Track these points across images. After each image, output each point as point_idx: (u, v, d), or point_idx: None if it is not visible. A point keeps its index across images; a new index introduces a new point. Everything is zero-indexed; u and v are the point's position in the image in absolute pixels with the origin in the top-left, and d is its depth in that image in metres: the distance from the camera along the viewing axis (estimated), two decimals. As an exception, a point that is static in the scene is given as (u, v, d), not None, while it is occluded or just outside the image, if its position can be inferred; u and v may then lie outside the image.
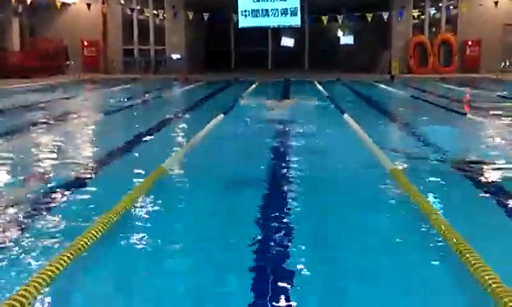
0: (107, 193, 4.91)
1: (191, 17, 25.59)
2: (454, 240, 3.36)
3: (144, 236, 3.81)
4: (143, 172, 5.51)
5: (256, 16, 23.93)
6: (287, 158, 6.43)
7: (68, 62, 25.21)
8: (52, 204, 4.49)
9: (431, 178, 5.44)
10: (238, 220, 4.23)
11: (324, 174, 5.78)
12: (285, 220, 4.15)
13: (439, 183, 5.28)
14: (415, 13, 26.18)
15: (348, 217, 4.32)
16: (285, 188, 5.09)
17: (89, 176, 5.56)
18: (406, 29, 26.68)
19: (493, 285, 2.72)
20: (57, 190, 4.91)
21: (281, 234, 3.85)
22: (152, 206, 4.49)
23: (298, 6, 23.71)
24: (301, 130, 8.75)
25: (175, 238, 3.86)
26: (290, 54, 30.33)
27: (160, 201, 4.61)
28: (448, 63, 26.18)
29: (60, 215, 4.20)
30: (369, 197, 4.86)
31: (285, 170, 5.86)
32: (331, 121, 10.29)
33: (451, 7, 26.88)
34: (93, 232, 3.52)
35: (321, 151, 7.09)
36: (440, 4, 26.92)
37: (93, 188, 5.04)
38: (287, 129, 8.94)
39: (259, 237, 3.76)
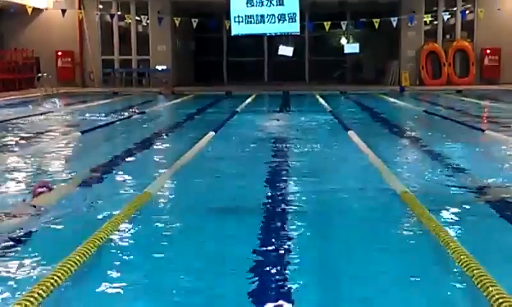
0: (81, 222, 4.88)
1: (178, 24, 25.70)
2: (475, 272, 3.34)
3: (124, 273, 3.79)
4: (124, 198, 5.50)
5: (251, 23, 24.00)
6: (284, 182, 6.42)
7: (40, 75, 25.21)
8: (23, 234, 4.46)
9: (447, 206, 5.41)
10: (229, 255, 4.20)
11: (326, 199, 5.76)
12: (282, 252, 4.13)
13: (458, 212, 5.27)
14: (427, 19, 26.36)
15: (354, 252, 4.30)
16: (282, 217, 5.06)
17: (62, 202, 5.49)
18: (416, 37, 26.86)
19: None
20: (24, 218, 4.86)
21: (278, 269, 3.83)
22: (135, 237, 4.51)
23: (297, 11, 23.81)
24: (299, 150, 8.74)
25: (157, 277, 3.84)
26: (288, 65, 30.45)
27: (144, 231, 4.63)
28: (464, 74, 26.33)
29: (33, 248, 4.20)
30: (377, 227, 4.84)
31: (281, 196, 5.85)
32: (334, 139, 10.30)
33: (467, 11, 27.09)
34: (66, 267, 3.48)
35: (322, 172, 7.07)
36: (455, 9, 27.12)
37: (64, 219, 4.96)
38: (284, 149, 8.93)
39: (253, 277, 3.74)
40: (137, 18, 27.63)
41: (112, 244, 4.27)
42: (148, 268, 3.94)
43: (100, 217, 4.94)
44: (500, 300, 2.97)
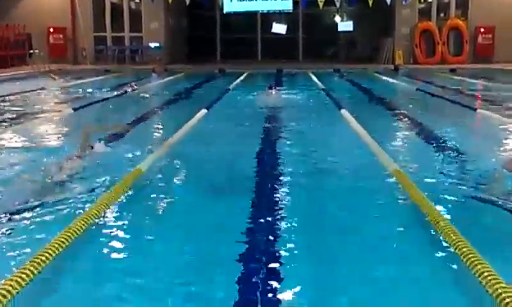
0: (76, 198, 4.89)
1: (170, 0, 25.48)
2: (465, 249, 3.35)
3: (117, 248, 3.79)
4: (117, 175, 5.51)
5: (243, 0, 23.82)
6: (275, 161, 6.41)
7: (31, 52, 24.99)
8: (21, 209, 4.47)
9: (439, 187, 5.43)
10: (220, 234, 4.20)
11: (318, 177, 5.76)
12: (275, 231, 4.13)
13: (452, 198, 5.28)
14: (421, -3, 26.24)
15: (347, 227, 4.30)
16: (275, 195, 5.05)
17: (58, 178, 5.54)
18: (411, 15, 26.75)
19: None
20: (22, 196, 4.86)
21: (272, 247, 3.83)
22: (127, 213, 4.51)
23: (290, -13, 23.64)
24: (291, 129, 8.72)
25: (149, 254, 3.83)
26: (282, 42, 30.33)
27: (136, 208, 4.62)
28: (458, 52, 26.28)
29: (29, 221, 4.24)
30: (369, 204, 4.84)
31: (272, 173, 5.84)
32: (327, 117, 10.29)
33: (461, -11, 27.01)
34: (61, 239, 3.49)
35: (314, 151, 7.06)
36: (449, -14, 27.02)
37: (60, 194, 5.00)
38: (275, 127, 8.91)
39: (244, 251, 3.74)
40: (129, -6, 27.39)
41: (103, 221, 4.27)
42: (137, 248, 3.94)
43: (91, 192, 4.97)
44: (489, 278, 2.96)
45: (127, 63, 26.89)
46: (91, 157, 6.43)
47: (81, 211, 4.34)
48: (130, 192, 4.97)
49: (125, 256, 3.78)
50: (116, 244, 3.92)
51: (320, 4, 25.47)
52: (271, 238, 4.01)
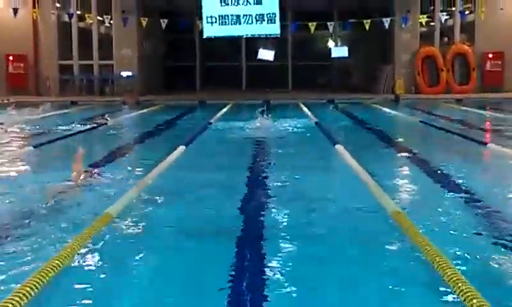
0: (39, 246, 4.87)
1: (144, 24, 25.64)
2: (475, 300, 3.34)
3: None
4: (84, 220, 5.50)
5: (225, 24, 24.00)
6: (260, 205, 6.34)
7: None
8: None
9: (444, 229, 5.41)
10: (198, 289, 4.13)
11: (309, 227, 5.71)
12: (261, 283, 4.07)
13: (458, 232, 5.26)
14: (423, 19, 26.61)
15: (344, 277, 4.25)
16: (260, 246, 4.99)
17: (16, 224, 5.53)
18: (411, 39, 27.11)
19: None
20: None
21: (257, 300, 3.77)
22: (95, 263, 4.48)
23: (277, 10, 23.84)
24: (280, 168, 8.68)
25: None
26: (269, 70, 30.58)
27: (104, 257, 4.60)
28: (464, 81, 26.59)
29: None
30: (367, 250, 4.80)
31: (258, 221, 5.77)
32: (320, 154, 10.28)
33: (467, 12, 27.44)
34: (23, 292, 3.52)
35: (306, 194, 7.01)
36: (454, 9, 27.45)
37: (21, 241, 4.99)
38: (261, 166, 8.88)
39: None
40: (99, 18, 27.55)
41: (70, 270, 4.26)
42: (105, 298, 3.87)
43: (55, 241, 4.93)
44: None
45: (95, 94, 26.90)
46: (52, 200, 6.36)
47: (38, 262, 4.28)
48: (97, 240, 4.90)
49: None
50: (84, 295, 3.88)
51: (312, 28, 25.80)
52: (257, 290, 3.94)
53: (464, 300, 3.47)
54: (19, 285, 3.67)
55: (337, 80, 32.18)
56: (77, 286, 4.07)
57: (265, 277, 4.20)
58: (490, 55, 26.74)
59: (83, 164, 7.68)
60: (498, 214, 5.89)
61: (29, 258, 4.58)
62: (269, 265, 4.43)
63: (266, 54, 26.86)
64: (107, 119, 16.24)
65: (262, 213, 6.07)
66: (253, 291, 3.97)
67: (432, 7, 27.51)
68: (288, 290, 3.98)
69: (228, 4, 23.67)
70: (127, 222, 5.63)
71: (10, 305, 3.33)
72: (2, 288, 3.91)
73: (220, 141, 12.28)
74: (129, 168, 9.01)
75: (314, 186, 7.53)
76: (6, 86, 26.26)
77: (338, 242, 5.13)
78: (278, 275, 4.22)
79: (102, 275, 4.30)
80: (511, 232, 5.29)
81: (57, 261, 4.15)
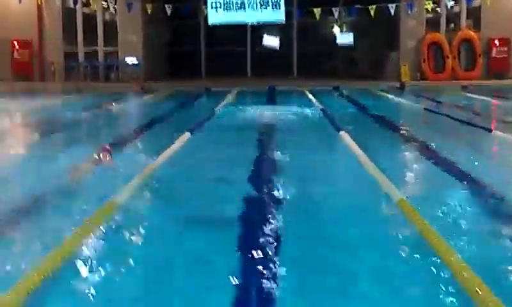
0: (46, 232, 4.90)
1: (149, 11, 25.62)
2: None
3: (90, 291, 3.78)
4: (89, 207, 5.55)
5: (230, 10, 23.94)
6: (265, 191, 6.39)
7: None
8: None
9: (449, 218, 5.45)
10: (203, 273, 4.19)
11: (313, 209, 5.76)
12: (265, 271, 4.12)
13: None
14: (429, 6, 26.51)
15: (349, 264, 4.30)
16: (263, 230, 5.03)
17: (24, 209, 5.57)
18: (417, 26, 27.01)
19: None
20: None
21: (261, 290, 3.83)
22: (100, 251, 4.51)
23: (282, -5, 23.77)
24: (285, 154, 8.73)
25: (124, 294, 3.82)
26: (274, 57, 30.50)
27: (110, 244, 4.64)
28: (470, 67, 26.52)
29: None
30: (371, 239, 4.85)
31: (262, 207, 5.83)
32: (324, 140, 10.33)
33: (473, -3, 27.32)
34: (30, 281, 3.57)
35: (310, 180, 7.06)
36: (460, -6, 27.34)
37: (29, 226, 5.06)
38: (267, 153, 8.93)
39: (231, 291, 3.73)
40: (103, 3, 27.53)
41: (75, 258, 4.28)
42: (110, 289, 3.93)
43: (61, 229, 4.94)
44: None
45: (100, 81, 26.93)
46: (58, 187, 6.44)
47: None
48: (103, 227, 4.96)
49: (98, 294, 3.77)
50: (89, 282, 3.92)
51: (317, 15, 25.73)
52: (261, 278, 4.00)
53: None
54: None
55: (342, 67, 32.06)
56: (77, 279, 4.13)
57: (266, 265, 4.26)
58: (496, 42, 26.62)
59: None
60: (504, 202, 5.93)
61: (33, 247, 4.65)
62: (269, 251, 4.49)
63: (271, 41, 26.83)
64: (113, 106, 16.30)
65: (264, 198, 6.13)
66: (258, 281, 4.03)
67: (438, -7, 27.40)
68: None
69: (232, -11, 23.65)
70: (131, 211, 5.67)
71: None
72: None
73: (225, 128, 12.31)
74: (133, 156, 9.07)
75: (318, 170, 7.62)
76: (11, 71, 26.28)
77: (341, 230, 5.18)
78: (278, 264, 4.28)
79: (105, 266, 4.28)
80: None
81: (59, 252, 4.22)
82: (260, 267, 4.15)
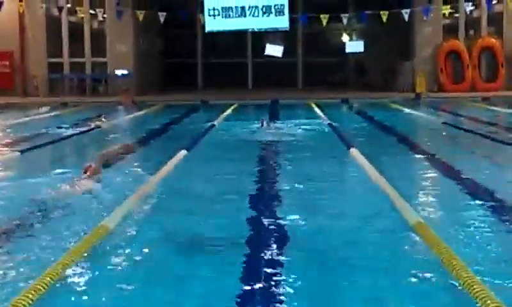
0: (31, 260, 4.91)
1: (141, 18, 25.66)
2: None
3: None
4: (78, 233, 5.57)
5: (229, 17, 23.98)
6: (269, 213, 6.33)
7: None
8: None
9: (471, 241, 5.39)
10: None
11: (322, 237, 5.70)
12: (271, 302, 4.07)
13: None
14: (446, 11, 26.55)
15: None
16: (266, 254, 4.99)
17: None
18: (434, 33, 27.07)
19: None
20: None
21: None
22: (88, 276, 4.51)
23: (286, 1, 23.80)
24: (290, 173, 8.69)
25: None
26: (278, 68, 30.59)
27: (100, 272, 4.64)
28: (492, 78, 26.53)
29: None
30: (386, 267, 4.79)
31: (265, 229, 5.80)
32: (333, 158, 10.27)
33: (494, 1, 27.30)
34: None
35: (318, 202, 7.00)
36: (479, -2, 27.38)
37: (10, 255, 5.04)
38: (270, 172, 8.88)
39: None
40: (91, 11, 27.61)
41: (64, 284, 4.31)
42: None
43: (51, 255, 4.95)
44: None
45: (87, 94, 26.95)
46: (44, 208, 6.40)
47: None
48: (93, 253, 4.96)
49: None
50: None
51: (324, 21, 25.73)
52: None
53: None
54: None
55: (352, 78, 32.16)
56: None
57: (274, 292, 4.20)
58: (520, 50, 26.67)
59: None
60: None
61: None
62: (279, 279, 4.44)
63: (274, 50, 26.84)
64: (102, 121, 16.29)
65: (268, 220, 6.08)
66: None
67: (456, -3, 27.46)
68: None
69: (232, -5, 23.65)
70: (123, 234, 5.64)
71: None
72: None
73: (224, 145, 12.28)
74: (125, 176, 9.02)
75: (327, 191, 7.56)
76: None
77: (354, 258, 5.10)
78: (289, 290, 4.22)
79: (97, 288, 4.33)
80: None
81: (48, 278, 4.20)
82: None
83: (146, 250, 5.31)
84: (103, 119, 16.73)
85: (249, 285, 4.38)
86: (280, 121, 15.65)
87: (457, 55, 26.57)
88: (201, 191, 7.73)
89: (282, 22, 24.44)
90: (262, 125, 14.03)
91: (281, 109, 20.55)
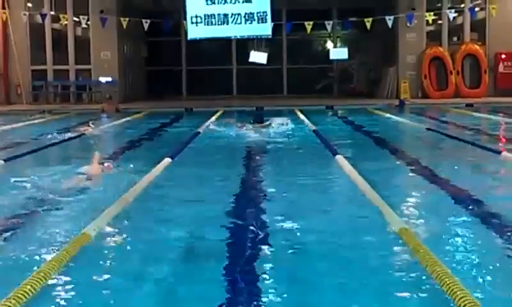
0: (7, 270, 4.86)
1: (125, 25, 25.61)
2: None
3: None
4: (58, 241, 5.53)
5: (211, 24, 23.91)
6: (254, 223, 6.28)
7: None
8: None
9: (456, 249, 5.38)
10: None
11: (309, 246, 5.67)
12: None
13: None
14: (430, 17, 26.66)
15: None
16: (252, 267, 4.95)
17: None
18: (417, 39, 27.19)
19: None
20: None
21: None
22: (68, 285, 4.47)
23: (268, 9, 23.71)
24: (275, 180, 8.65)
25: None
26: (263, 75, 30.63)
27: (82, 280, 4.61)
28: (475, 84, 26.66)
29: None
30: (371, 275, 4.76)
31: (250, 239, 5.74)
32: (318, 165, 10.26)
33: (477, 8, 27.51)
34: None
35: (303, 210, 6.97)
36: (462, 6, 27.54)
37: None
38: (255, 180, 8.85)
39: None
40: (75, 18, 27.51)
41: (46, 295, 4.26)
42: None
43: (30, 262, 4.94)
44: None
45: (71, 102, 26.85)
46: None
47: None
48: (73, 263, 4.89)
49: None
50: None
51: (308, 28, 25.77)
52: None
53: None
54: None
55: (337, 85, 32.20)
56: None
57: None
58: (503, 56, 26.82)
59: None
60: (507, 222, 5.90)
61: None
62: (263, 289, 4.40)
63: (258, 57, 26.82)
64: (87, 128, 16.23)
65: (252, 230, 6.03)
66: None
67: (439, 4, 27.58)
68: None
69: (214, 3, 23.47)
70: (103, 243, 5.60)
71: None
72: None
73: (209, 151, 12.25)
74: (106, 185, 8.96)
75: (312, 198, 7.54)
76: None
77: (339, 265, 5.07)
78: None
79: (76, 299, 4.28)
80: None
81: (29, 287, 4.13)
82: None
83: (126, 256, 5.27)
84: (88, 126, 16.68)
85: (233, 290, 4.35)
86: (264, 128, 15.64)
87: (441, 61, 26.69)
88: (185, 199, 7.69)
89: (265, 30, 24.38)
90: (243, 127, 14.14)
91: (266, 115, 20.53)
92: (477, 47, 26.94)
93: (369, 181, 7.76)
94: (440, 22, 27.84)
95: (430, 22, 27.02)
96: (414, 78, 26.85)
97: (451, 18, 27.00)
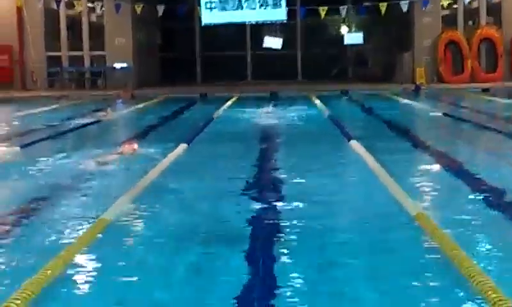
0: (25, 256, 4.86)
1: (139, 11, 25.64)
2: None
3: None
4: (77, 227, 5.57)
5: (226, 9, 23.88)
6: (270, 210, 6.30)
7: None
8: None
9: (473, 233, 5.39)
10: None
11: (323, 229, 5.69)
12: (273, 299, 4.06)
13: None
14: (445, 1, 26.49)
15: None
16: (268, 252, 4.97)
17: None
18: (433, 23, 27.01)
19: None
20: None
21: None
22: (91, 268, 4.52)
23: (283, -7, 23.72)
24: (291, 166, 8.67)
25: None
26: (277, 60, 30.55)
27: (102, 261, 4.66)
28: (491, 68, 26.49)
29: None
30: (388, 260, 4.78)
31: (266, 225, 5.77)
32: (333, 151, 10.26)
33: (493, -8, 27.31)
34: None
35: (316, 196, 6.97)
36: (478, -12, 27.34)
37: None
38: (271, 166, 8.87)
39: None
40: (89, 4, 27.56)
41: (65, 279, 4.30)
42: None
43: (50, 248, 4.96)
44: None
45: (86, 88, 26.93)
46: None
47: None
48: (92, 247, 4.96)
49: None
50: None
51: (322, 13, 25.70)
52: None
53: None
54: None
55: (351, 70, 32.12)
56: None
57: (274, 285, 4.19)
58: (520, 40, 26.63)
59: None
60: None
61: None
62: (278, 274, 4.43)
63: (273, 42, 26.80)
64: (104, 114, 16.35)
65: (270, 219, 6.05)
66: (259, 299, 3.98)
67: (455, -13, 27.41)
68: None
69: (229, -13, 23.54)
70: (121, 228, 5.65)
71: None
72: None
73: (224, 137, 12.27)
74: (124, 169, 9.02)
75: (327, 183, 7.55)
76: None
77: (354, 251, 5.09)
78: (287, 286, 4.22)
79: (95, 284, 4.31)
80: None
81: (49, 271, 4.20)
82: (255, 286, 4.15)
83: (145, 244, 5.33)
84: (103, 112, 16.79)
85: (252, 276, 4.38)
86: (279, 114, 15.65)
87: (456, 46, 26.52)
88: (201, 184, 7.73)
89: (279, 15, 24.38)
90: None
91: (281, 101, 20.54)
92: (493, 30, 26.74)
93: (384, 166, 7.77)
94: (455, 6, 27.66)
95: (445, 6, 26.85)
96: (430, 62, 26.69)
97: (467, 2, 26.82)
